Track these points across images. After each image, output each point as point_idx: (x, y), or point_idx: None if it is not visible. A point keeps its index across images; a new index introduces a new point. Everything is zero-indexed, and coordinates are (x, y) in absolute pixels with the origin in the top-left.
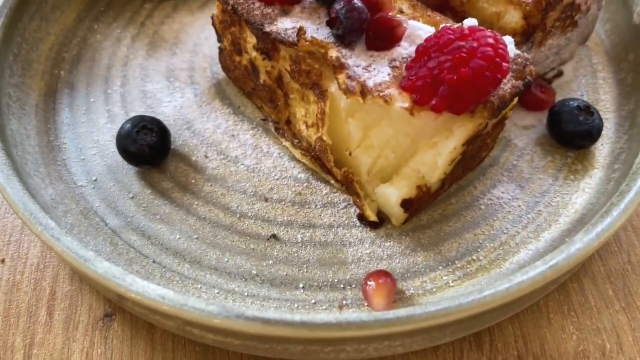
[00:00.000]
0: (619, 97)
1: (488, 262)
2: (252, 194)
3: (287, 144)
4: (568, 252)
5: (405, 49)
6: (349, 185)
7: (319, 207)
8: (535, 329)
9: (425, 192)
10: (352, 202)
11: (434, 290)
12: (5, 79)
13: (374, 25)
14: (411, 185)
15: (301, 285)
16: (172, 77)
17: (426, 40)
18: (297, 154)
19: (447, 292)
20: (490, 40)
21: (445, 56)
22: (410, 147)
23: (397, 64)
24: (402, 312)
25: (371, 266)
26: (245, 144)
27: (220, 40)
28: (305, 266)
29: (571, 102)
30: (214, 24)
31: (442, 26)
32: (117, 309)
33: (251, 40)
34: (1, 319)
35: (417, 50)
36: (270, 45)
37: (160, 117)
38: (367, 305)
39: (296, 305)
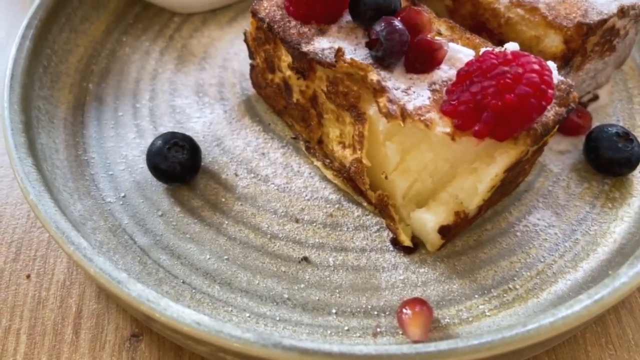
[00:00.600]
0: None
1: (525, 291)
2: (282, 214)
3: (319, 164)
4: (613, 286)
5: (445, 72)
6: (383, 208)
7: (350, 229)
8: None
9: (462, 218)
10: (384, 225)
11: (470, 319)
12: (35, 91)
13: (415, 48)
14: (449, 210)
15: (334, 311)
16: (201, 92)
17: (467, 64)
18: (329, 174)
19: (483, 322)
20: (536, 66)
21: (488, 81)
22: (448, 172)
23: (437, 87)
24: (443, 344)
25: (405, 292)
26: (275, 162)
27: (252, 57)
28: (337, 291)
29: (609, 128)
30: (246, 40)
31: (483, 49)
32: (144, 328)
33: (286, 58)
34: (26, 336)
35: (458, 74)
36: (306, 65)
37: (189, 133)
38: (402, 334)
39: (329, 332)
